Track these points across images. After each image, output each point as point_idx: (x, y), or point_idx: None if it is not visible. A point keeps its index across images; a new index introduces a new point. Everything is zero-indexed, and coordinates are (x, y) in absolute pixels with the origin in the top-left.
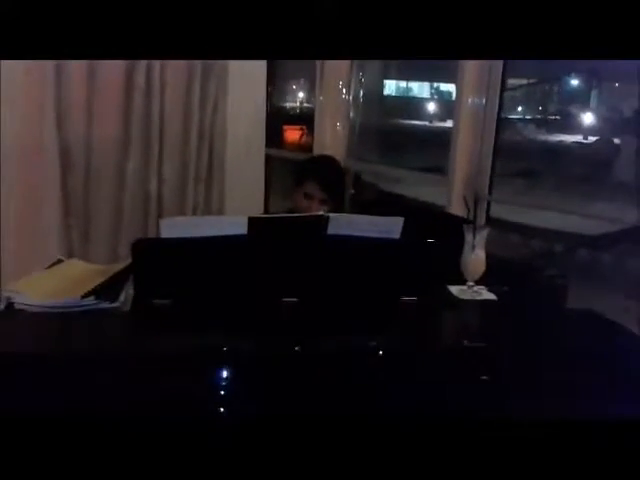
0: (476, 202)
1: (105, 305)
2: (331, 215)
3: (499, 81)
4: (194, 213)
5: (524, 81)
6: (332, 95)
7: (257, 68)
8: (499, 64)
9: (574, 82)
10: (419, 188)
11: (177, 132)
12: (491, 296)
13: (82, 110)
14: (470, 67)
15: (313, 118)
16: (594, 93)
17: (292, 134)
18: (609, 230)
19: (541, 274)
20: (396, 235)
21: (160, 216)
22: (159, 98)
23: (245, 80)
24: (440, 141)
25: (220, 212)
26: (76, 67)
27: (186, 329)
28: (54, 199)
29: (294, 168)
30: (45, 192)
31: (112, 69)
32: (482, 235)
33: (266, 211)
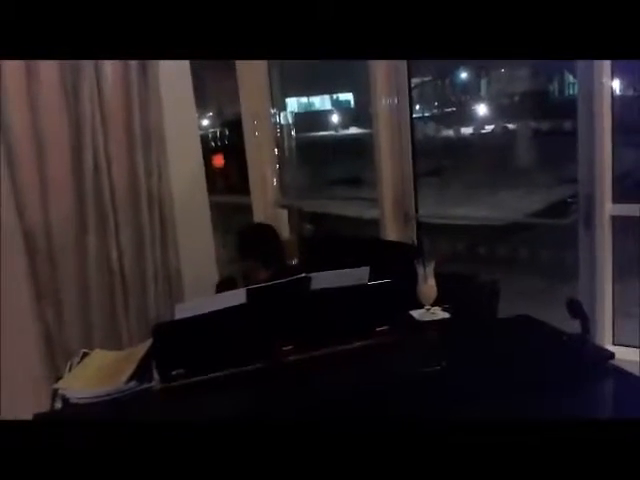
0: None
1: (145, 386)
2: (312, 275)
3: (406, 81)
4: (154, 275)
5: (418, 80)
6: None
7: (190, 128)
8: (404, 64)
9: (464, 75)
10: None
11: (128, 203)
12: (445, 315)
13: (37, 193)
14: (378, 72)
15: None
16: (484, 82)
17: (219, 162)
18: (517, 218)
19: (476, 283)
20: (365, 280)
21: (124, 285)
22: (107, 174)
23: (181, 140)
24: (351, 150)
25: (177, 269)
26: (25, 152)
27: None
28: (23, 284)
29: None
30: (13, 278)
31: (60, 150)
32: (430, 267)
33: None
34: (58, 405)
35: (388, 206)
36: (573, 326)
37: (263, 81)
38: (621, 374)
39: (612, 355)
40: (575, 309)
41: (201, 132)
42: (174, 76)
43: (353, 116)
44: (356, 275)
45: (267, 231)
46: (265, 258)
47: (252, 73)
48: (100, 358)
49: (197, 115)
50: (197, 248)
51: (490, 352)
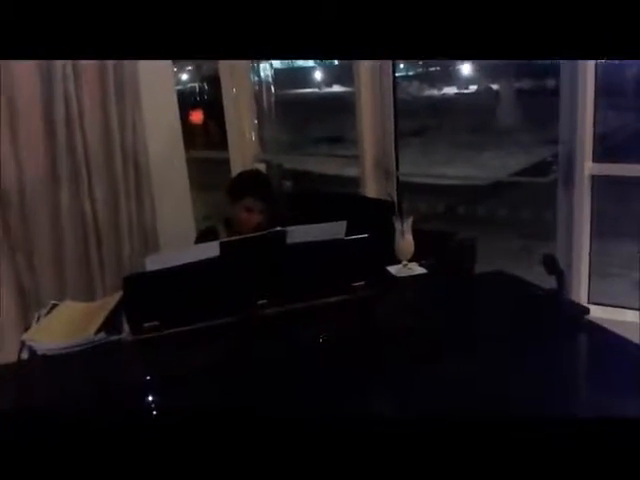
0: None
1: (114, 337)
2: (288, 229)
3: None
4: (129, 229)
5: None
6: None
7: (166, 81)
8: None
9: None
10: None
11: (102, 156)
12: (422, 270)
13: (7, 146)
14: None
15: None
16: None
17: (197, 116)
18: (497, 177)
19: (453, 240)
20: (341, 235)
21: (98, 237)
22: (79, 126)
23: (157, 93)
24: (333, 107)
25: (153, 224)
26: None
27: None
28: None
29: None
30: None
31: (31, 103)
32: (408, 223)
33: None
34: (25, 356)
35: (369, 164)
36: (550, 284)
37: None
38: (595, 329)
39: (587, 310)
40: (550, 264)
41: (179, 87)
42: None
43: (336, 74)
44: (332, 229)
45: (264, 174)
46: (264, 196)
47: None
48: (69, 310)
49: (174, 69)
50: (174, 202)
51: (466, 307)
